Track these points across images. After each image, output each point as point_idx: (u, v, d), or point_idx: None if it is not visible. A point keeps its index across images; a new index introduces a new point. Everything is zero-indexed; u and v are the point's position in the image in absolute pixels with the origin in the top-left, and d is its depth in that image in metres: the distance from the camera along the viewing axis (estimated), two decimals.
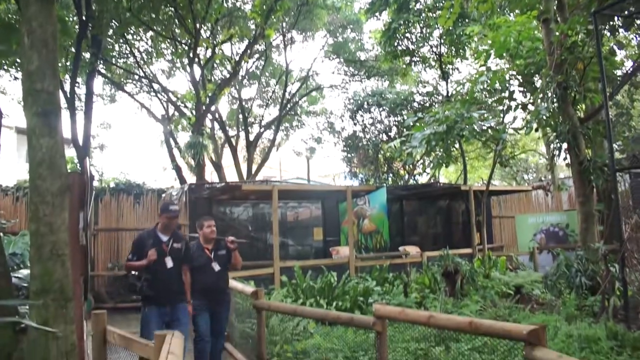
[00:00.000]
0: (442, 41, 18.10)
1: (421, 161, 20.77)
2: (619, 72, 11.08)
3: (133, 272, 5.41)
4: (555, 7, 9.08)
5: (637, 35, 11.76)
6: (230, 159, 22.00)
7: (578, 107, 9.74)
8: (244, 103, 22.96)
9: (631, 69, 9.68)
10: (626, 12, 8.14)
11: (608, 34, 10.18)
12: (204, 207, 11.69)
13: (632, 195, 9.60)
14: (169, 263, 5.43)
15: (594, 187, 8.99)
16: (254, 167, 22.36)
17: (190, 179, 18.77)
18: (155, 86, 19.94)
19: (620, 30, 10.53)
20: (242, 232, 13.43)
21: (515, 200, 17.36)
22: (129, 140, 56.73)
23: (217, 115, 21.86)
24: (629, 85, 13.75)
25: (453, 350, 5.28)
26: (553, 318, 6.25)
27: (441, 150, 10.55)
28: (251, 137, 22.76)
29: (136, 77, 20.08)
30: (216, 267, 5.96)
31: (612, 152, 6.94)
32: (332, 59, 24.27)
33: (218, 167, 20.28)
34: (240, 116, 22.70)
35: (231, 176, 22.70)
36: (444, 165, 11.21)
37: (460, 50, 17.48)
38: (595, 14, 6.65)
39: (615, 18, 9.60)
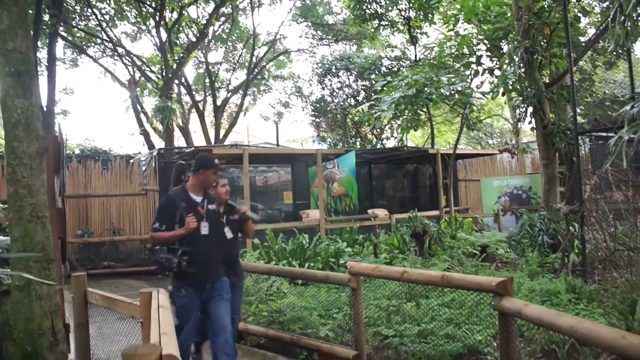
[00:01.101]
0: (411, 5, 18.07)
1: (389, 125, 20.94)
2: (583, 39, 11.34)
3: (160, 246, 4.29)
4: None
5: (599, 3, 12.00)
6: (198, 124, 21.76)
7: (544, 72, 9.96)
8: (210, 67, 22.59)
9: (594, 36, 9.91)
10: None
11: (574, 0, 10.37)
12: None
13: (592, 158, 9.97)
14: (204, 229, 4.39)
15: (557, 150, 9.29)
16: (222, 132, 22.18)
17: (159, 144, 18.55)
18: (120, 50, 19.40)
19: None
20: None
21: (480, 163, 17.80)
22: (92, 106, 55.31)
23: (183, 80, 21.48)
24: (592, 51, 14.07)
25: (423, 305, 5.51)
26: (517, 275, 6.54)
27: (410, 114, 10.69)
28: (218, 102, 22.50)
29: (99, 40, 19.47)
30: (229, 233, 4.99)
31: (575, 116, 7.20)
32: (299, 22, 23.99)
33: (185, 132, 20.05)
34: (207, 80, 22.36)
35: (199, 141, 22.50)
36: (412, 129, 11.37)
37: (429, 15, 17.49)
38: None
39: None
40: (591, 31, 12.06)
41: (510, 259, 8.28)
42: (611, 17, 3.78)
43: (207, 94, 23.14)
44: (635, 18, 3.49)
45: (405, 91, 9.43)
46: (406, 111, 10.46)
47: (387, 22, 19.54)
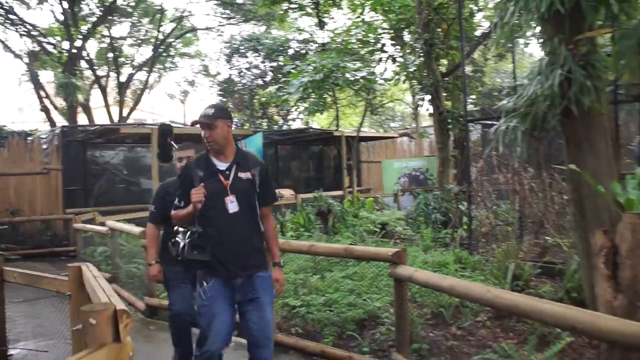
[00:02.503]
0: None
1: (295, 107, 21.29)
2: (477, 33, 12.27)
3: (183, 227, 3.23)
4: None
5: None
6: (100, 101, 20.87)
7: (441, 63, 10.72)
8: (114, 42, 21.66)
9: (486, 30, 10.80)
10: None
11: None
12: (77, 151, 11.26)
13: (484, 144, 10.93)
14: (232, 206, 3.13)
15: (450, 135, 10.11)
16: (125, 110, 21.44)
17: (60, 121, 17.65)
18: (12, 17, 18.06)
19: None
20: (117, 175, 13.18)
21: (383, 146, 18.64)
22: None
23: (85, 54, 20.47)
24: (484, 45, 15.19)
25: (328, 278, 5.94)
26: (412, 249, 7.15)
27: (317, 97, 11.11)
28: (122, 79, 21.67)
29: None
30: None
31: (465, 105, 7.93)
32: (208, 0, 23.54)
33: (87, 109, 19.18)
34: (111, 55, 21.43)
35: (101, 119, 21.59)
36: (318, 112, 11.80)
37: (337, 0, 17.89)
38: None
39: None
40: (486, 24, 13.07)
41: (407, 236, 8.95)
42: (493, 25, 4.31)
43: (111, 69, 22.19)
44: (513, 24, 4.02)
45: (313, 75, 9.80)
46: (313, 94, 10.86)
47: (296, 6, 19.73)
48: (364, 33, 11.64)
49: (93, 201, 12.37)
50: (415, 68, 9.67)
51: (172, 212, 3.22)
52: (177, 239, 3.17)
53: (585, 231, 3.88)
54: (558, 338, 3.71)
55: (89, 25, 16.41)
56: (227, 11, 23.94)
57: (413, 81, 10.70)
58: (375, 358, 4.21)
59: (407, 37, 10.99)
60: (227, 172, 3.15)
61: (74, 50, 15.64)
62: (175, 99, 26.51)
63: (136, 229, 6.33)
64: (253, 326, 3.12)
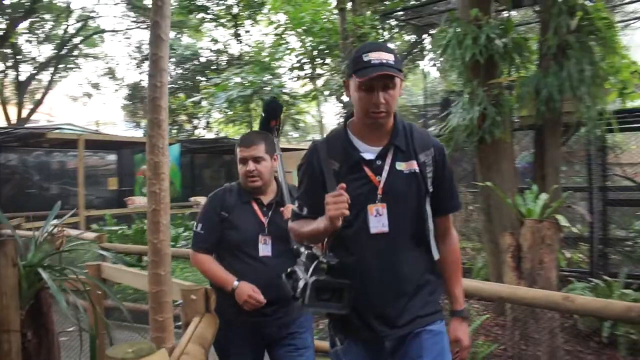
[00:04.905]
0: (238, 3, 18.88)
1: (207, 115, 21.57)
2: None
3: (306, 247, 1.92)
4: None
5: (405, 34, 14.36)
6: None
7: None
8: (10, 36, 20.63)
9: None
10: (402, 17, 10.12)
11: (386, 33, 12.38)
12: None
13: None
14: (378, 222, 1.86)
15: None
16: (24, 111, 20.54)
17: None
18: None
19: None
20: (31, 180, 12.87)
21: (296, 156, 19.43)
22: None
23: None
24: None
25: None
26: None
27: (242, 110, 11.74)
28: (21, 77, 20.74)
29: None
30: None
31: None
32: (117, 2, 23.16)
33: None
34: (10, 52, 20.44)
35: None
36: (244, 124, 12.41)
37: (255, 16, 18.54)
38: (381, 15, 8.46)
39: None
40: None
41: None
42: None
43: (6, 67, 21.12)
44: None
45: (242, 90, 10.42)
46: (239, 107, 11.48)
47: (212, 16, 20.09)
48: (284, 52, 12.47)
49: None
50: (337, 87, 10.61)
51: (290, 224, 1.99)
52: (295, 268, 1.85)
53: (493, 234, 4.92)
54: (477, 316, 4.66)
55: None
56: (138, 15, 23.70)
57: (334, 98, 11.66)
58: None
59: (327, 59, 11.97)
60: (379, 163, 1.85)
61: None
62: (78, 101, 25.68)
63: (89, 234, 6.44)
64: None
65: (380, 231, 1.82)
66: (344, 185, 1.68)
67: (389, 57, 1.75)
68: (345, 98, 10.73)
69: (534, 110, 4.73)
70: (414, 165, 1.86)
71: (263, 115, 2.97)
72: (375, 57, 1.74)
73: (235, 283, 2.40)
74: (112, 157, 14.01)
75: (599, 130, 4.70)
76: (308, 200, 1.90)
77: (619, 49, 4.61)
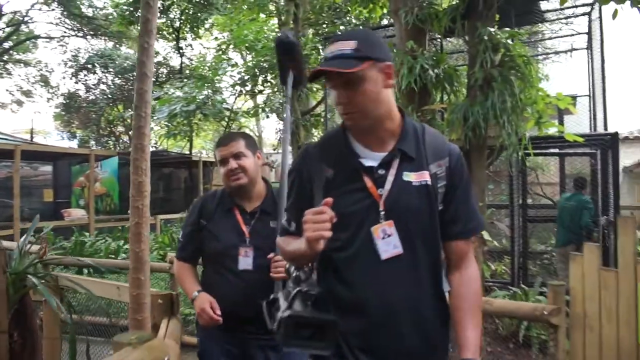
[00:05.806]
0: (181, 17, 18.91)
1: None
2: None
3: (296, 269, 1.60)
4: (292, 20, 11.24)
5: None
6: None
7: (301, 102, 12.16)
8: None
9: None
10: None
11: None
12: None
13: None
14: (387, 245, 1.49)
15: None
16: None
17: None
18: None
19: None
20: None
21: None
22: None
23: None
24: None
25: None
26: None
27: (185, 124, 11.82)
28: None
29: None
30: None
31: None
32: (54, 9, 22.59)
33: None
34: None
35: None
36: (185, 138, 12.48)
37: (197, 30, 18.63)
38: (323, 38, 8.90)
39: None
40: None
41: None
42: None
43: None
44: None
45: (185, 105, 10.53)
46: (182, 121, 11.56)
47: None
48: (226, 68, 12.65)
49: None
50: (279, 104, 10.93)
51: (277, 239, 1.74)
52: (279, 294, 1.49)
53: None
54: None
55: None
56: (75, 23, 23.22)
57: (276, 116, 11.97)
58: None
59: (269, 77, 12.24)
60: (381, 172, 1.52)
61: None
62: (7, 109, 24.71)
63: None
64: None
65: (393, 254, 1.47)
66: (329, 200, 1.35)
67: (346, 46, 1.42)
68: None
69: (462, 135, 5.21)
70: (425, 176, 1.50)
71: (276, 50, 2.37)
72: (331, 49, 1.45)
73: (195, 293, 2.26)
74: (47, 168, 13.67)
75: (519, 153, 5.25)
76: (295, 214, 1.55)
77: (536, 83, 5.19)
